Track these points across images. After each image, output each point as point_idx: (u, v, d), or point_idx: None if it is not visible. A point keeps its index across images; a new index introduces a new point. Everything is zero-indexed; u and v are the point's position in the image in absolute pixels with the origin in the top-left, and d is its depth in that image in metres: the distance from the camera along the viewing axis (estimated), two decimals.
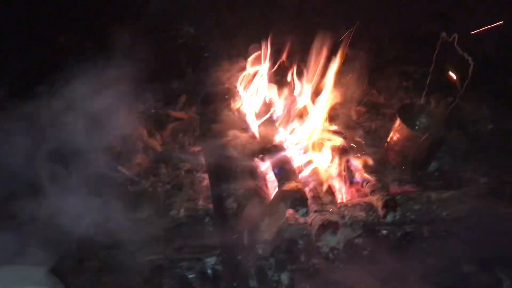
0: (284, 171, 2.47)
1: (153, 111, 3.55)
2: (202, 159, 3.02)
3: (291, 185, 2.33)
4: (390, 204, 2.35)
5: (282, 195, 2.25)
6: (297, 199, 2.25)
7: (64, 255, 2.31)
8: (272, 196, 2.34)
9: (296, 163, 2.63)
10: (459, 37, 2.60)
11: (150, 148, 3.21)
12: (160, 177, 2.95)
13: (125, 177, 2.93)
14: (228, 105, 3.01)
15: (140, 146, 3.18)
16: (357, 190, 2.67)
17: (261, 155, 2.61)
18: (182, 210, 2.65)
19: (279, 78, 3.11)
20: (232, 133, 2.80)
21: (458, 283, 2.32)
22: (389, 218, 2.36)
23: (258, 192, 2.39)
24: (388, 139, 3.03)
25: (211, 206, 2.63)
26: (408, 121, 2.89)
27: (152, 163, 3.08)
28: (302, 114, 2.87)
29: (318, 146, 2.75)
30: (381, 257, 2.38)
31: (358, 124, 3.41)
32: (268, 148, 2.64)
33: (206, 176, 2.89)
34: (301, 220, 2.36)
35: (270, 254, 2.07)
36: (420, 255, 2.39)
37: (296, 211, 2.25)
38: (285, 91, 3.00)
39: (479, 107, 3.54)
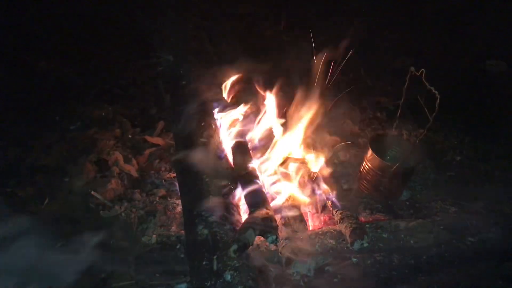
0: (255, 198, 2.50)
1: (130, 136, 3.57)
2: (177, 186, 3.04)
3: (261, 212, 2.35)
4: (357, 232, 2.39)
5: (252, 222, 2.27)
6: (267, 226, 2.27)
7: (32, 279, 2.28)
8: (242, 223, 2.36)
9: (268, 191, 2.67)
10: (428, 72, 2.72)
11: (126, 173, 3.22)
12: (134, 202, 2.95)
13: (98, 202, 2.92)
14: (204, 132, 3.04)
15: (116, 171, 3.18)
16: (329, 218, 2.72)
17: (233, 183, 2.65)
18: (154, 236, 2.65)
19: (256, 108, 3.17)
20: (206, 160, 2.82)
21: None
22: (356, 246, 2.40)
23: (229, 219, 2.42)
24: (361, 168, 3.09)
25: (183, 232, 2.63)
26: (380, 151, 2.97)
27: (127, 189, 3.09)
28: (276, 143, 2.92)
29: (290, 174, 2.80)
30: (351, 284, 2.40)
31: (333, 154, 3.47)
32: (241, 176, 2.67)
33: (179, 202, 2.90)
34: (272, 247, 2.38)
35: (239, 281, 2.08)
36: (390, 283, 2.42)
37: (266, 238, 2.26)
38: (261, 120, 3.06)
39: (449, 138, 3.65)
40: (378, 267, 2.50)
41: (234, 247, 2.07)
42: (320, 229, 2.59)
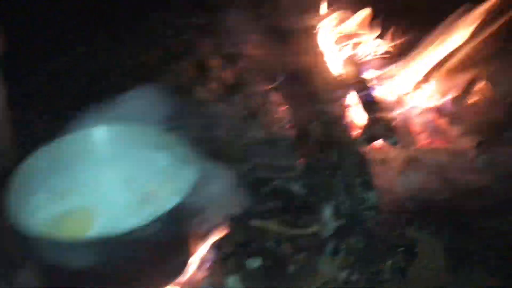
0: (371, 103, 2.42)
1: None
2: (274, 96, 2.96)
3: (380, 115, 2.28)
4: (484, 144, 2.23)
5: (372, 123, 2.20)
6: (387, 128, 2.20)
7: None
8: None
9: (384, 99, 2.56)
10: None
11: (223, 79, 3.20)
12: (236, 104, 2.92)
13: (200, 100, 2.92)
14: (312, 42, 2.95)
15: (215, 75, 3.17)
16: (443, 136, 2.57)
17: (345, 89, 2.57)
18: (261, 131, 2.62)
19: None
20: (315, 69, 2.76)
21: None
22: (480, 161, 2.23)
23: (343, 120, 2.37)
24: None
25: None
26: None
27: (226, 91, 3.07)
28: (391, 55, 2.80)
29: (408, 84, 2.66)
30: None
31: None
32: (354, 83, 2.59)
33: (282, 108, 2.84)
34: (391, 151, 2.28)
35: (358, 173, 2.03)
36: None
37: (386, 140, 2.20)
38: (372, 31, 2.92)
39: None
40: None
41: (365, 136, 2.02)
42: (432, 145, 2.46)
